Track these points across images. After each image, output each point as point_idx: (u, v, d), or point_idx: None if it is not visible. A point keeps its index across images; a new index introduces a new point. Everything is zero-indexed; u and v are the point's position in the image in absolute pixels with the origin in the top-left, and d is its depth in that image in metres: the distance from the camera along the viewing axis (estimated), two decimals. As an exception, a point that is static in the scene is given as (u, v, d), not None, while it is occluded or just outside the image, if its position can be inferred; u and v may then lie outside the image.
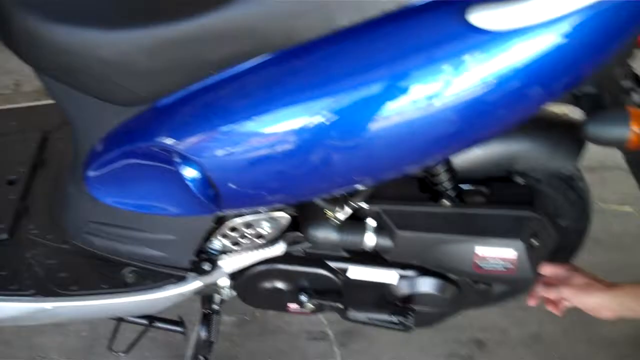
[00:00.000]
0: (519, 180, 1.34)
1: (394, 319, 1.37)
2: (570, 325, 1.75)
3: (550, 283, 1.36)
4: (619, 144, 1.08)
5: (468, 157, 1.33)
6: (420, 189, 1.33)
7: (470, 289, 1.41)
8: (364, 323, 1.42)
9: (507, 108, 1.00)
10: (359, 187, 1.18)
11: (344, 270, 1.38)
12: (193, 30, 0.97)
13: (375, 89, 0.97)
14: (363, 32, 0.97)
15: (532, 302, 1.41)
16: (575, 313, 1.39)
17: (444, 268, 1.33)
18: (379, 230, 1.29)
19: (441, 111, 0.98)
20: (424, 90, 0.96)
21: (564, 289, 1.33)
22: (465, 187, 1.35)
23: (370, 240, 1.28)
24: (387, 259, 1.33)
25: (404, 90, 0.96)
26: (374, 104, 0.98)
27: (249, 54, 1.00)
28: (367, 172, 1.09)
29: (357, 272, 1.38)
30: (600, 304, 1.31)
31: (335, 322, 1.77)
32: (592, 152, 1.36)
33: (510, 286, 1.39)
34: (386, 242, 1.29)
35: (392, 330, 1.40)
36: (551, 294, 1.36)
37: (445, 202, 1.29)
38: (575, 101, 1.16)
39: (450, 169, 1.29)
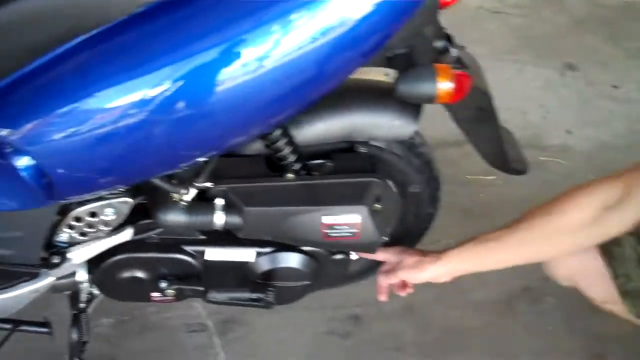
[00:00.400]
0: (362, 149, 1.39)
1: (254, 296, 1.40)
2: (441, 293, 1.81)
3: (389, 270, 1.42)
4: (429, 100, 1.15)
5: (311, 133, 1.38)
6: (268, 166, 1.36)
7: (328, 260, 1.45)
8: (225, 304, 1.44)
9: (329, 65, 1.04)
10: (198, 162, 1.19)
11: (202, 253, 1.40)
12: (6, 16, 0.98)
13: (200, 58, 0.98)
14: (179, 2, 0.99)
15: (382, 298, 1.47)
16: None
17: (295, 240, 1.37)
18: (227, 209, 1.32)
19: (270, 73, 1.00)
20: (251, 53, 0.98)
21: (400, 272, 1.40)
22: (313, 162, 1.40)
23: (219, 219, 1.31)
24: (240, 237, 1.35)
25: (230, 56, 0.98)
26: (199, 73, 0.99)
27: (67, 36, 1.01)
28: (198, 145, 1.11)
29: (215, 254, 1.40)
30: (434, 275, 1.38)
31: (214, 312, 1.79)
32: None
33: (360, 250, 1.43)
34: (235, 219, 1.32)
35: (255, 307, 1.43)
36: (392, 280, 1.42)
37: (289, 175, 1.33)
38: (389, 63, 1.22)
39: (292, 143, 1.34)
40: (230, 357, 1.72)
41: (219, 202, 1.32)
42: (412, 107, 1.36)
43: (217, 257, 1.41)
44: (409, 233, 1.61)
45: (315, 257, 1.43)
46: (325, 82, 1.09)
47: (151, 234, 1.35)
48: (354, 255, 1.48)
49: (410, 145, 1.46)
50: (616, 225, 1.25)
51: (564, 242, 1.29)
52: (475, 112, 1.36)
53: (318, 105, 1.37)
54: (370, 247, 1.39)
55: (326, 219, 1.32)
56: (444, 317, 1.82)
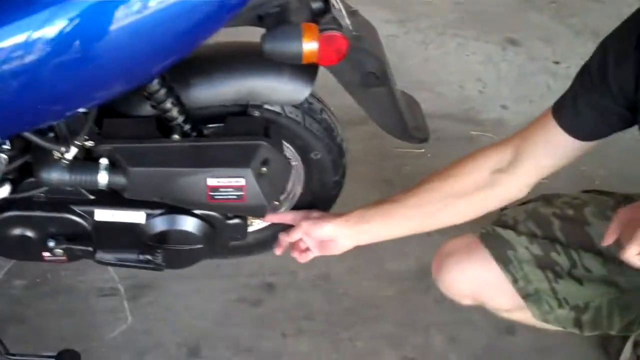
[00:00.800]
0: (256, 113, 1.39)
1: (143, 258, 1.40)
2: (356, 263, 1.81)
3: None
4: (295, 59, 1.14)
5: (203, 95, 1.37)
6: (158, 128, 1.36)
7: (223, 224, 1.44)
8: (115, 265, 1.44)
9: (189, 19, 1.05)
10: (67, 115, 1.18)
11: (91, 213, 1.39)
12: None
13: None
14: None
15: (278, 251, 1.47)
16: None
17: (181, 202, 1.36)
18: (112, 169, 1.31)
19: (135, 23, 1.01)
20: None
21: (303, 224, 1.38)
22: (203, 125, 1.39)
23: (103, 178, 1.31)
24: (126, 197, 1.35)
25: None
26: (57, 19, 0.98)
27: None
28: (62, 96, 1.10)
29: (104, 214, 1.40)
30: (334, 231, 1.37)
31: (127, 277, 1.78)
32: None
33: (248, 214, 1.43)
34: (120, 180, 1.31)
35: (145, 269, 1.43)
36: (292, 237, 1.42)
37: (175, 136, 1.32)
38: (260, 22, 1.20)
39: (180, 104, 1.33)
40: (138, 320, 1.71)
41: (103, 161, 1.32)
42: (307, 71, 1.35)
43: (107, 218, 1.40)
44: (316, 200, 1.61)
45: (208, 220, 1.43)
46: (188, 36, 1.08)
47: (37, 192, 1.35)
48: (261, 223, 1.49)
49: (309, 111, 1.46)
50: (510, 188, 1.25)
51: (460, 206, 1.29)
52: (365, 76, 1.35)
53: (212, 67, 1.38)
54: (259, 211, 1.39)
55: (211, 181, 1.32)
56: (358, 287, 1.81)
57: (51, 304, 1.73)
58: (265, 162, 1.33)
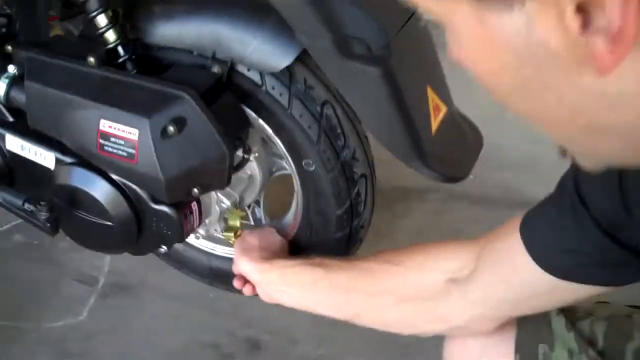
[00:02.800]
0: (215, 69, 1.02)
1: (27, 207, 1.08)
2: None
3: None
4: None
5: (161, 32, 1.06)
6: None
7: (146, 206, 1.07)
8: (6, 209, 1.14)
9: None
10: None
11: (3, 138, 1.12)
12: None
13: None
14: None
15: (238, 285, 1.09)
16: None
17: (71, 143, 1.03)
18: (15, 80, 1.04)
19: None
20: None
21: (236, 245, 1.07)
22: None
23: (1, 87, 1.04)
24: (29, 125, 1.06)
25: None
26: None
27: None
28: None
29: (14, 144, 1.12)
30: (250, 274, 1.02)
31: (114, 272, 1.48)
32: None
33: (141, 185, 1.03)
34: (19, 96, 1.04)
35: (34, 225, 1.11)
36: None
37: (91, 59, 1.00)
38: None
39: (120, 30, 1.02)
40: (89, 321, 1.40)
41: (11, 68, 1.05)
42: (294, 38, 0.96)
43: (17, 150, 1.12)
44: (315, 242, 1.17)
45: (125, 194, 1.07)
46: None
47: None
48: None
49: (303, 96, 1.06)
50: (455, 309, 0.77)
51: (397, 309, 0.83)
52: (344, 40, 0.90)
53: (185, 3, 1.06)
54: (153, 187, 0.99)
55: (103, 124, 0.97)
56: None
57: (26, 268, 1.49)
58: (178, 123, 0.94)
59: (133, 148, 0.95)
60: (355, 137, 1.09)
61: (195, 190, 1.01)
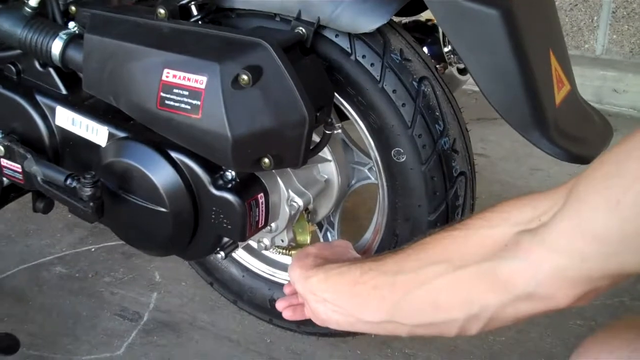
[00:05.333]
0: (300, 29, 0.89)
1: (69, 183, 0.93)
2: None
3: None
4: None
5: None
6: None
7: (205, 190, 0.92)
8: (41, 187, 0.98)
9: None
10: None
11: (53, 112, 1.00)
12: None
13: None
14: None
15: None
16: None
17: (131, 105, 0.90)
18: (73, 39, 0.93)
19: None
20: None
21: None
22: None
23: (57, 47, 0.94)
24: (84, 89, 0.94)
25: None
26: None
27: None
28: None
29: (65, 117, 0.99)
30: (299, 286, 0.77)
31: (159, 310, 1.30)
32: None
33: (201, 150, 0.87)
34: (75, 55, 0.93)
35: (74, 210, 0.95)
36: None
37: (161, 11, 0.88)
38: None
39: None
40: (128, 355, 1.20)
41: (70, 25, 0.94)
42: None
43: (66, 124, 0.99)
44: None
45: (185, 176, 0.91)
46: None
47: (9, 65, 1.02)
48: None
49: (399, 68, 0.92)
50: (523, 267, 0.55)
51: (439, 279, 0.61)
52: None
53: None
54: (217, 147, 0.84)
55: (167, 73, 0.84)
56: None
57: (66, 300, 1.34)
58: (253, 72, 0.80)
59: (198, 99, 0.81)
60: (455, 125, 0.93)
61: (267, 160, 0.84)
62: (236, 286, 1.19)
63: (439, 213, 0.93)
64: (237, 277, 1.18)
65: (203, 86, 0.80)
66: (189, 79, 0.82)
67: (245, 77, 0.80)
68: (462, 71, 1.11)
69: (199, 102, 0.81)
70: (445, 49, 1.10)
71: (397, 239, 0.98)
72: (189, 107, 0.82)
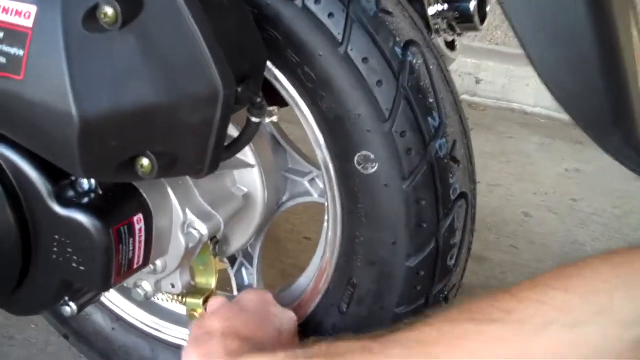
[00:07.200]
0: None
1: None
2: None
3: None
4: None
5: None
6: None
7: (48, 212, 0.54)
8: None
9: None
10: None
11: None
12: None
13: None
14: None
15: None
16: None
17: None
18: None
19: None
20: None
21: None
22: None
23: None
24: None
25: None
26: None
27: None
28: None
29: None
30: None
31: None
32: None
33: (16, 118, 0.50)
34: None
35: None
36: None
37: None
38: None
39: None
40: None
41: None
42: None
43: None
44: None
45: (10, 184, 0.54)
46: None
47: None
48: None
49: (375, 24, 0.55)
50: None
51: None
52: None
53: None
54: (53, 135, 0.47)
55: None
56: None
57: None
58: (128, 4, 0.43)
59: (21, 46, 0.44)
60: (457, 121, 0.59)
61: (145, 162, 0.48)
62: (102, 343, 0.81)
63: (424, 256, 0.59)
64: (105, 330, 0.81)
65: (30, 23, 0.43)
66: (5, 10, 0.44)
67: (109, 10, 0.43)
68: (451, 45, 0.77)
69: (21, 53, 0.44)
70: (432, 10, 0.74)
71: (352, 292, 0.63)
72: (3, 60, 0.45)
